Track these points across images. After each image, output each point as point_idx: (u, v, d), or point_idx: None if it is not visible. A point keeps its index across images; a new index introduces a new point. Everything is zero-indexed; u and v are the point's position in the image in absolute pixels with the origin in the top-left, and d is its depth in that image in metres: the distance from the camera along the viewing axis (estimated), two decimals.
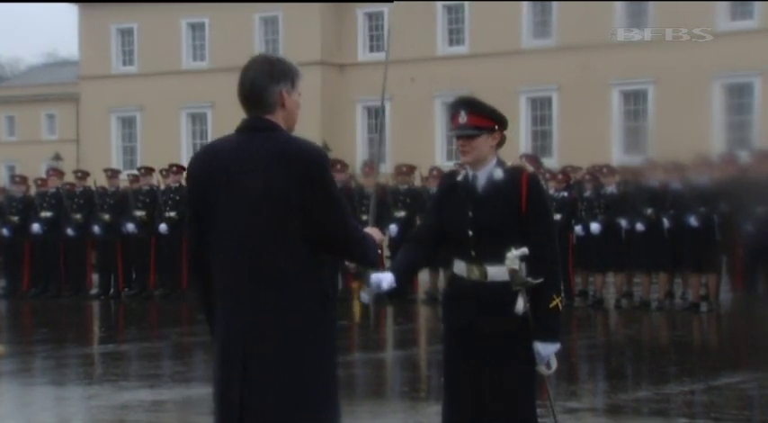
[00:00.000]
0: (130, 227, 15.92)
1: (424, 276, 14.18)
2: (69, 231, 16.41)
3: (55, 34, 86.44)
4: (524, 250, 4.25)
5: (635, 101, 30.56)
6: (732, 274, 13.79)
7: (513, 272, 4.27)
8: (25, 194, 17.31)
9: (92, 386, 8.62)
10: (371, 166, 15.75)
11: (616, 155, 27.57)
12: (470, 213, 4.38)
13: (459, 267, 4.46)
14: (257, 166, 3.56)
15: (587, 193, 14.25)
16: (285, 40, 34.39)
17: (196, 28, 36.26)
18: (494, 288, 4.35)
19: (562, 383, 8.10)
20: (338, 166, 14.56)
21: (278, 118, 3.67)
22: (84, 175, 17.30)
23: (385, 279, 4.27)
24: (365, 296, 4.31)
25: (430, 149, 31.30)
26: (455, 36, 32.85)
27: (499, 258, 4.31)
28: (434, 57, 32.40)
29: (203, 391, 8.35)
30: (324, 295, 3.64)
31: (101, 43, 37.18)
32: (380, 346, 11.47)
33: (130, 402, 7.89)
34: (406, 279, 4.37)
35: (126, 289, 16.30)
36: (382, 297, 4.35)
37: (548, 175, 14.38)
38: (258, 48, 34.71)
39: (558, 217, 12.98)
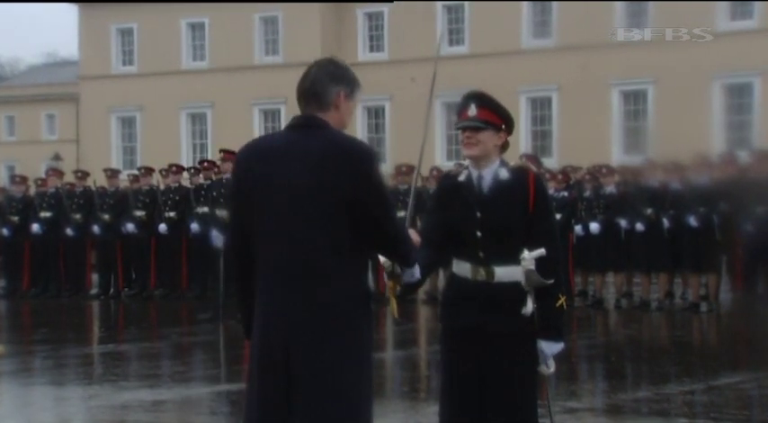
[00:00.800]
0: (130, 227, 15.92)
1: None
2: (69, 231, 16.40)
3: (55, 34, 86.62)
4: (542, 251, 4.24)
5: (635, 101, 30.57)
6: (732, 274, 13.79)
7: (530, 272, 4.26)
8: (25, 194, 17.31)
9: (91, 386, 8.61)
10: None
11: (616, 155, 27.59)
12: (478, 214, 4.35)
13: (463, 268, 4.43)
14: (306, 163, 3.59)
15: (587, 193, 14.25)
16: (285, 40, 34.40)
17: (196, 28, 36.26)
18: (501, 289, 4.33)
19: (562, 383, 8.10)
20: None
21: (330, 118, 3.71)
22: (83, 175, 17.30)
23: (416, 271, 4.20)
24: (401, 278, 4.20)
25: (430, 149, 31.29)
26: (455, 36, 32.86)
27: (507, 259, 4.30)
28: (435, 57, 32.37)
29: (203, 391, 8.37)
30: (365, 294, 3.69)
31: (101, 43, 37.20)
32: (380, 346, 11.46)
33: (130, 402, 7.88)
34: (425, 276, 4.37)
35: (126, 289, 16.29)
36: (412, 288, 4.33)
37: (548, 175, 14.37)
38: (258, 48, 34.75)
39: (558, 217, 12.97)
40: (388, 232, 3.70)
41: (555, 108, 31.58)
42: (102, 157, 32.83)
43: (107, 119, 37.53)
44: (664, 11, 27.97)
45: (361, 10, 34.26)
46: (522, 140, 29.93)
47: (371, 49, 34.30)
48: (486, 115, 4.37)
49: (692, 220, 12.99)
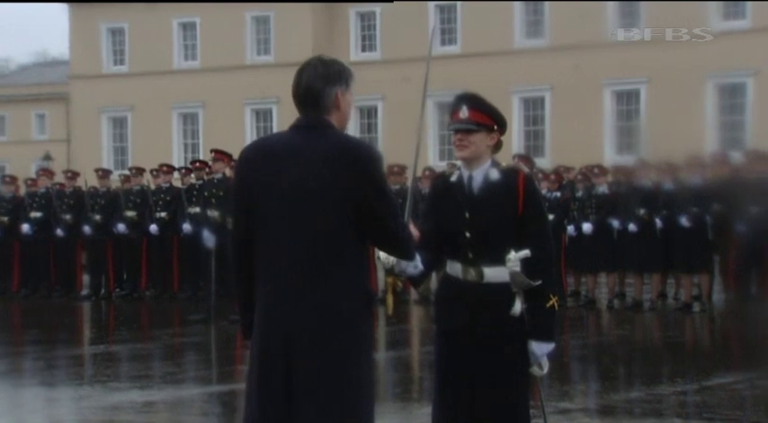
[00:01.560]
0: (121, 227, 15.85)
1: None
2: (59, 232, 16.34)
3: (45, 34, 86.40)
4: (527, 252, 4.24)
5: (627, 101, 30.60)
6: (724, 274, 13.80)
7: (514, 274, 4.25)
8: (15, 194, 17.24)
9: (82, 387, 8.58)
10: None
11: (608, 155, 27.61)
12: (467, 214, 4.36)
13: (454, 268, 4.43)
14: (310, 163, 3.61)
15: (580, 194, 14.23)
16: (277, 39, 34.37)
17: (187, 27, 36.19)
18: (490, 289, 4.33)
19: (554, 384, 8.08)
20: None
21: (332, 118, 3.74)
22: (74, 175, 17.22)
23: (418, 262, 4.15)
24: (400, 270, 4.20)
25: (423, 150, 31.23)
26: (447, 36, 32.86)
27: (496, 260, 4.30)
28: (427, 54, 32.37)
29: (194, 392, 8.33)
30: (366, 294, 3.71)
31: (91, 43, 37.11)
32: (374, 346, 11.43)
33: (121, 403, 7.85)
34: (425, 274, 4.34)
35: (117, 290, 16.23)
36: (418, 281, 4.34)
37: (540, 176, 14.36)
38: (249, 48, 34.72)
39: (550, 217, 12.95)
40: (393, 231, 3.71)
41: (547, 108, 31.60)
42: (92, 157, 32.72)
43: (98, 119, 37.44)
44: (656, 11, 27.98)
45: (353, 9, 34.25)
46: (514, 140, 29.92)
47: (364, 49, 34.29)
48: (478, 117, 4.37)
49: (684, 221, 12.97)
